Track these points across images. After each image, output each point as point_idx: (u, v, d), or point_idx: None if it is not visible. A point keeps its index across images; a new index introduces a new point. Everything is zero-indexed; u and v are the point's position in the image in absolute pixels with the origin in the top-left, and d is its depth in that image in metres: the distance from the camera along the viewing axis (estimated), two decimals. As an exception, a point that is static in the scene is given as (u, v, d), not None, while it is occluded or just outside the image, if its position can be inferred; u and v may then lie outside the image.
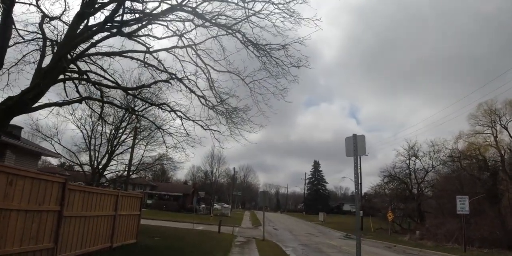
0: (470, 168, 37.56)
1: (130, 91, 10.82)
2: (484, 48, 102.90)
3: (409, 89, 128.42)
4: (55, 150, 21.91)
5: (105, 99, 11.01)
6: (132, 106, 15.76)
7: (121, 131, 22.96)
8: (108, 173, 23.94)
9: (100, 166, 22.84)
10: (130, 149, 24.01)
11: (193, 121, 11.59)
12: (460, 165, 39.08)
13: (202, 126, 11.71)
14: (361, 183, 55.70)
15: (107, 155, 23.07)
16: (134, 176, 29.83)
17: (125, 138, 23.88)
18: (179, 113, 11.42)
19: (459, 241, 24.32)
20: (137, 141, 24.30)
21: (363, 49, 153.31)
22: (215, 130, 11.83)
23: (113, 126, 22.45)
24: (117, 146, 23.23)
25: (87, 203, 9.58)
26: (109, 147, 22.64)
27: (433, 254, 21.13)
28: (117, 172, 24.48)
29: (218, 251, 13.98)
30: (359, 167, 8.07)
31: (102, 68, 10.18)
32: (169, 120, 17.49)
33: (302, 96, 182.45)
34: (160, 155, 25.64)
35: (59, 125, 21.70)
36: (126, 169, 24.81)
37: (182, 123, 11.86)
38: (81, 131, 22.57)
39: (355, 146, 7.77)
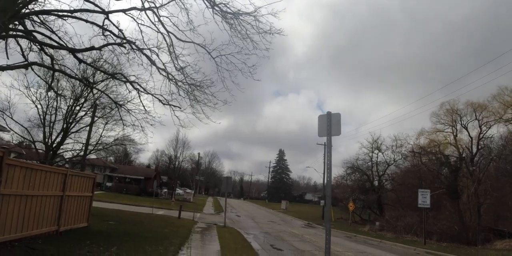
0: (430, 163, 38.61)
1: (79, 55, 9.47)
2: (449, 53, 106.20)
3: (374, 87, 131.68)
4: (7, 125, 20.16)
5: (56, 67, 9.72)
6: (88, 77, 14.24)
7: (78, 108, 21.35)
8: (63, 152, 22.35)
9: (55, 145, 21.24)
10: (87, 128, 22.52)
11: (151, 95, 10.55)
12: (421, 161, 40.19)
13: (161, 101, 10.69)
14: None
15: (62, 133, 21.46)
16: (93, 156, 28.14)
17: (83, 115, 22.31)
18: (136, 86, 10.33)
19: (417, 234, 24.80)
20: (95, 119, 22.79)
21: (333, 46, 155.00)
22: (175, 106, 10.81)
23: (70, 101, 20.84)
24: (74, 123, 21.64)
25: (29, 180, 8.48)
26: (65, 124, 21.02)
27: (393, 245, 21.33)
28: (73, 151, 22.90)
29: (176, 237, 13.18)
30: (330, 151, 7.32)
31: (51, 30, 8.81)
32: (131, 99, 16.39)
33: (271, 86, 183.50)
34: (120, 136, 24.20)
35: (12, 98, 19.80)
36: (83, 149, 23.32)
37: (140, 96, 10.79)
38: (36, 106, 20.83)
39: (329, 125, 6.96)
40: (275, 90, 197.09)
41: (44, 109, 20.99)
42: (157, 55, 9.91)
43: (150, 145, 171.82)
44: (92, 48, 8.73)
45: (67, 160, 23.13)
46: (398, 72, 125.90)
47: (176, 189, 57.70)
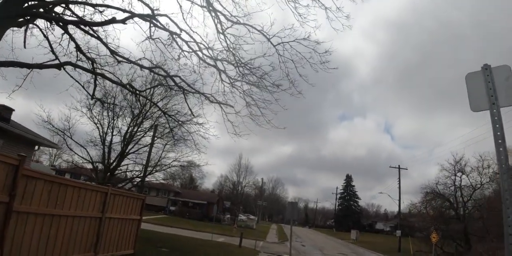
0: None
1: (114, 50, 8.14)
2: None
3: (446, 107, 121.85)
4: (68, 146, 20.05)
5: (98, 71, 8.58)
6: (137, 89, 13.21)
7: (135, 127, 20.75)
8: (120, 172, 21.71)
9: (113, 166, 20.69)
10: (146, 148, 21.87)
11: (199, 92, 8.96)
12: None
13: (207, 98, 9.04)
14: (400, 200, 51.39)
15: (120, 154, 20.93)
16: (155, 179, 27.43)
17: (142, 135, 21.70)
18: (179, 82, 8.81)
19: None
20: (155, 139, 22.11)
21: (399, 65, 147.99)
22: (224, 104, 9.11)
23: (128, 119, 20.36)
24: (132, 143, 21.05)
25: (56, 197, 7.16)
26: (123, 144, 20.45)
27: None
28: (131, 172, 22.22)
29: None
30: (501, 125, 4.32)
31: (85, 22, 7.63)
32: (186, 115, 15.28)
33: (336, 111, 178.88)
34: (179, 156, 23.21)
35: (71, 118, 19.70)
36: (142, 170, 22.63)
37: (185, 98, 9.24)
38: (97, 127, 20.61)
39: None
40: (339, 114, 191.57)
41: (103, 129, 20.69)
42: (207, 46, 8.38)
43: (214, 171, 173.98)
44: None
45: (126, 181, 22.49)
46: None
47: (239, 215, 56.02)
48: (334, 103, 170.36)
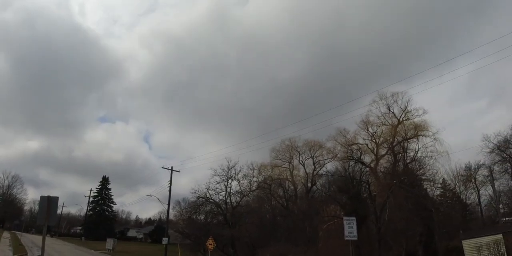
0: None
1: None
2: (271, 107, 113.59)
3: (202, 126, 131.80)
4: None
5: None
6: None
7: None
8: None
9: None
10: None
11: None
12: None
13: None
14: (169, 204, 47.91)
15: None
16: None
17: None
18: None
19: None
20: None
21: (170, 79, 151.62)
22: None
23: None
24: None
25: None
26: None
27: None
28: None
29: None
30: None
31: None
32: None
33: (98, 112, 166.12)
34: None
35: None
36: None
37: None
38: None
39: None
40: (101, 116, 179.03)
41: None
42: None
43: None
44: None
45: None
46: (227, 115, 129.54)
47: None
48: (97, 103, 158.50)
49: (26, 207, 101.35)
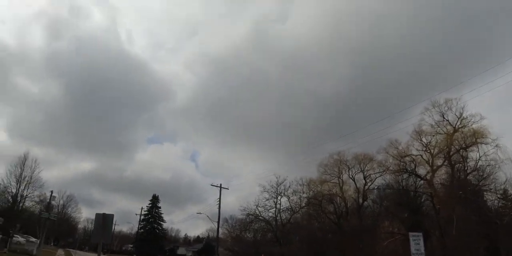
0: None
1: None
2: (314, 122, 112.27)
3: (247, 144, 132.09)
4: None
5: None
6: None
7: None
8: None
9: None
10: None
11: None
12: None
13: None
14: (218, 221, 47.67)
15: None
16: None
17: None
18: None
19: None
20: None
21: (213, 99, 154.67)
22: None
23: None
24: None
25: None
26: None
27: None
28: None
29: None
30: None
31: None
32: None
33: (147, 133, 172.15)
34: None
35: None
36: None
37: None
38: None
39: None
40: (152, 136, 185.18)
41: None
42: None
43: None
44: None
45: None
46: (268, 131, 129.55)
47: (14, 236, 41.76)
48: (146, 125, 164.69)
49: (80, 225, 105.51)
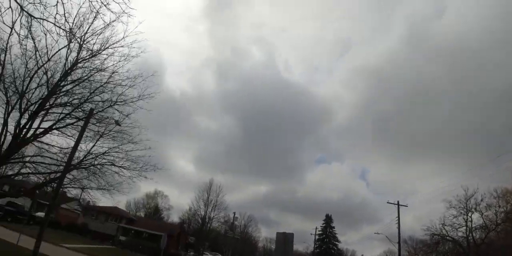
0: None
1: None
2: (498, 123, 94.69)
3: (420, 158, 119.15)
4: None
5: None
6: None
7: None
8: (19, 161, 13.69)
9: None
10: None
11: None
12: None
13: None
14: (399, 242, 43.30)
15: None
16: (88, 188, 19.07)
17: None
18: None
19: None
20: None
21: (377, 113, 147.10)
22: None
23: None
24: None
25: None
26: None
27: None
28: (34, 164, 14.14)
29: None
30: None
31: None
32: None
33: (314, 154, 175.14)
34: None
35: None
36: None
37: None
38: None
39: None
40: (317, 157, 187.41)
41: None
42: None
43: (186, 206, 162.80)
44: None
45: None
46: (444, 142, 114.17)
47: (204, 253, 46.62)
48: (313, 147, 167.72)
49: (260, 244, 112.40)
